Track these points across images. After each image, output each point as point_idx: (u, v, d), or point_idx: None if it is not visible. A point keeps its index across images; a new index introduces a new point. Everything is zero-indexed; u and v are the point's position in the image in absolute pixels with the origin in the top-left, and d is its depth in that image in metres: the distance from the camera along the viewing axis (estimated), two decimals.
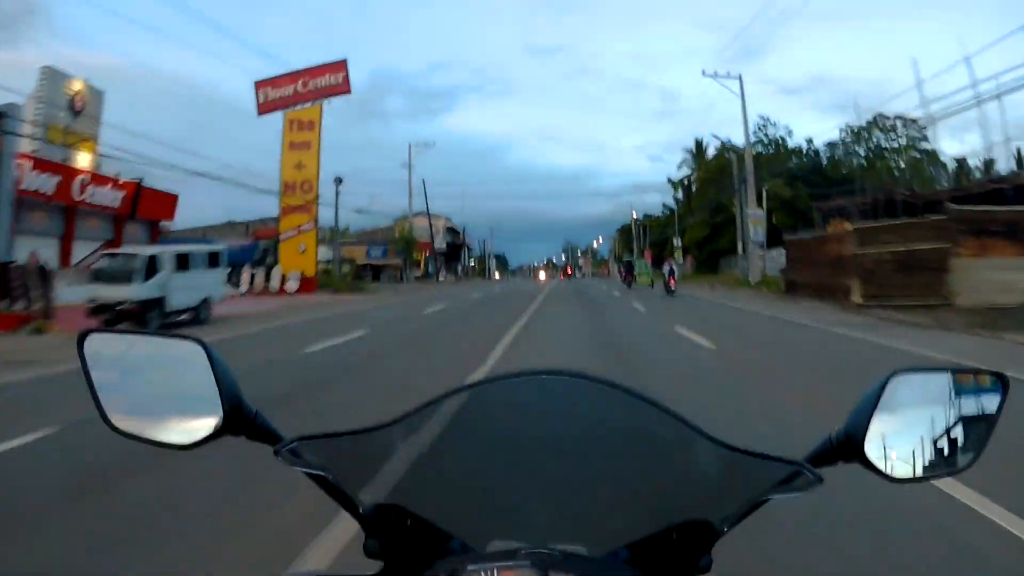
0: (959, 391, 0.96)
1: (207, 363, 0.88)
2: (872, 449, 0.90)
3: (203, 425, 0.88)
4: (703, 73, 37.52)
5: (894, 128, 51.48)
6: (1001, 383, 0.96)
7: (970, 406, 0.95)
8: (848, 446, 0.90)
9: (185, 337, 0.91)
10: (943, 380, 0.97)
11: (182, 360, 0.89)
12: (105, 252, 18.24)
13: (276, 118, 39.77)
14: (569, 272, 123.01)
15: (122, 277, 15.47)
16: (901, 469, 0.92)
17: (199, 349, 0.88)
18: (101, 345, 0.93)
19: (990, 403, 0.95)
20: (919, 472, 0.93)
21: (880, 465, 0.90)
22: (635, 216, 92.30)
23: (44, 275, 15.96)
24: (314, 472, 0.83)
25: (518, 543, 0.81)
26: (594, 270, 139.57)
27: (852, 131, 54.20)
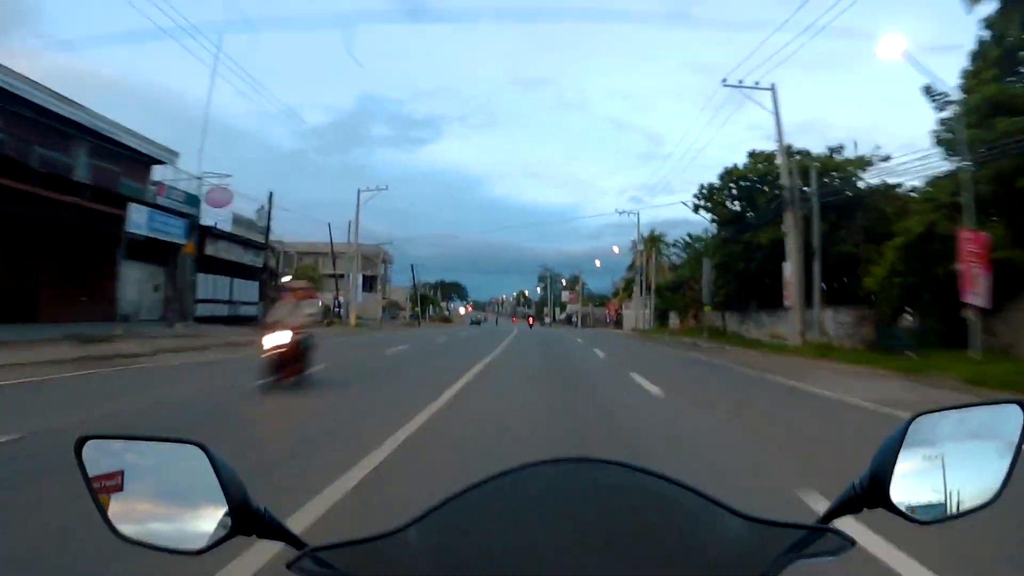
0: (982, 425, 0.96)
1: (209, 465, 0.86)
2: (897, 493, 0.89)
3: (211, 527, 0.87)
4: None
5: None
6: (1022, 410, 0.95)
7: (991, 439, 0.94)
8: (873, 492, 0.89)
9: (185, 441, 0.89)
10: (963, 417, 0.96)
11: (183, 463, 0.88)
12: None
13: None
14: (531, 322, 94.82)
15: None
16: (927, 511, 0.91)
17: (199, 452, 0.87)
18: (99, 450, 0.91)
19: (1011, 433, 0.94)
20: (945, 512, 0.92)
21: (907, 510, 0.89)
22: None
23: None
24: None
25: None
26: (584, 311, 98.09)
27: None
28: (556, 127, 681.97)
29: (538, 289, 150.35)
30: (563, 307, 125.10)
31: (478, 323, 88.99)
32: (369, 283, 71.17)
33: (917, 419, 0.91)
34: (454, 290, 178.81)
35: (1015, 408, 0.95)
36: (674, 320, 54.63)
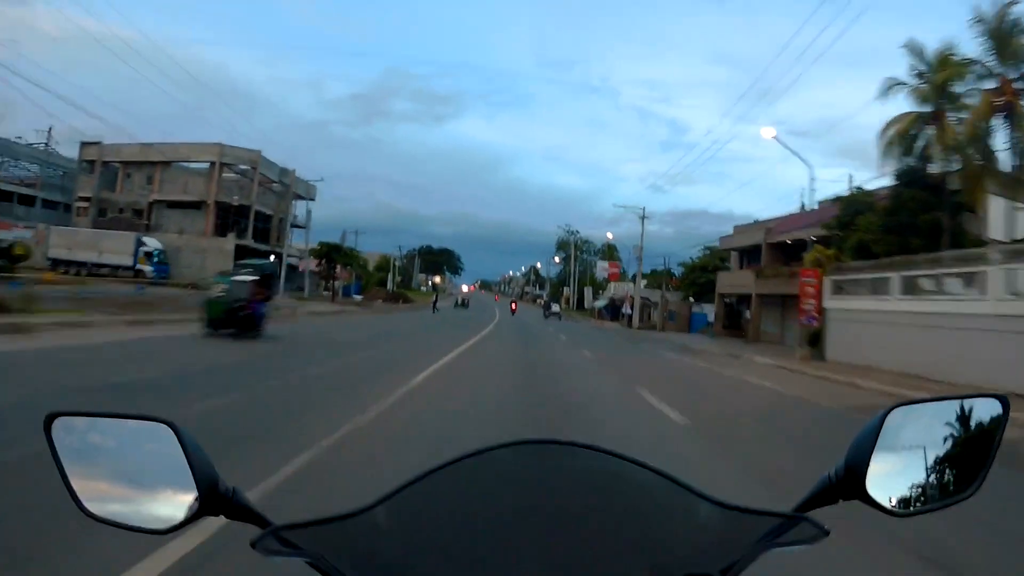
0: (959, 417, 0.94)
1: (178, 444, 0.85)
2: (873, 485, 0.87)
3: (179, 507, 0.86)
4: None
5: None
6: (1001, 405, 0.94)
7: (971, 431, 0.93)
8: (848, 483, 0.88)
9: (155, 419, 0.88)
10: (943, 408, 0.95)
11: (152, 441, 0.87)
12: None
13: None
14: (513, 307, 69.25)
15: None
16: (904, 503, 0.90)
17: (168, 430, 0.86)
18: (71, 428, 0.90)
19: (991, 426, 0.93)
20: (922, 505, 0.91)
21: (882, 501, 0.88)
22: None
23: None
24: (300, 559, 0.80)
25: None
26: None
27: None
28: (579, 111, 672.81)
29: (556, 259, 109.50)
30: (598, 286, 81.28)
31: (465, 305, 72.28)
32: (226, 218, 50.21)
33: (894, 410, 0.90)
34: (443, 260, 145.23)
35: (995, 402, 0.94)
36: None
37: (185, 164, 53.51)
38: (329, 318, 30.56)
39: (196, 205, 51.94)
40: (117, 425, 0.92)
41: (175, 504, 0.86)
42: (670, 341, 32.16)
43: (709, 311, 45.68)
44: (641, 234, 49.73)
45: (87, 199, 53.53)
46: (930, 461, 0.91)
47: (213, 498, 0.86)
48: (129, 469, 0.91)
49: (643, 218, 49.53)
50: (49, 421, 0.89)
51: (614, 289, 69.10)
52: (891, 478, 0.89)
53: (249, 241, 51.01)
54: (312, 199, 59.41)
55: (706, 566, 0.82)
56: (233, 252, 46.01)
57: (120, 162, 54.09)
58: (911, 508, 0.90)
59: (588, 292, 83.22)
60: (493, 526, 0.86)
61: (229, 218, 51.65)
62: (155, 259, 46.81)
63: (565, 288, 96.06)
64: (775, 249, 36.91)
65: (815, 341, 23.13)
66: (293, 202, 59.17)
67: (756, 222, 41.99)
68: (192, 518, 0.86)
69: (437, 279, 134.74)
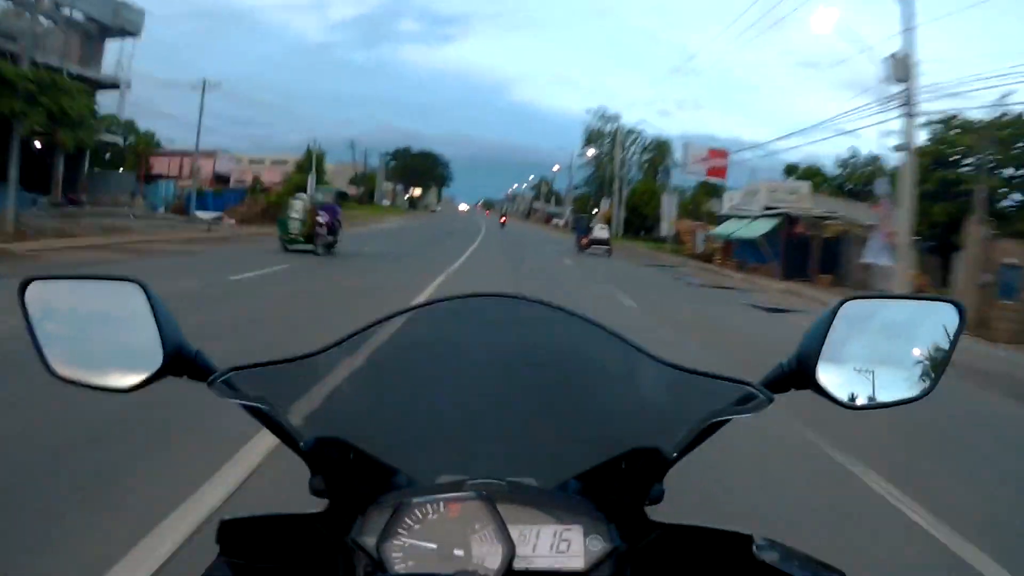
0: (914, 319, 0.96)
1: (147, 304, 0.86)
2: (824, 376, 0.88)
3: (145, 367, 0.87)
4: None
5: None
6: (958, 311, 0.94)
7: (926, 333, 0.94)
8: (800, 373, 0.89)
9: (125, 278, 0.89)
10: (898, 307, 0.97)
11: (122, 302, 0.88)
12: None
13: None
14: (503, 221, 67.84)
15: None
16: (856, 397, 0.91)
17: (138, 290, 0.87)
18: (43, 291, 0.91)
19: (947, 330, 0.94)
20: (874, 399, 0.92)
21: (834, 392, 0.89)
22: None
23: None
24: (251, 404, 0.81)
25: (466, 476, 0.80)
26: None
27: None
28: (586, 33, 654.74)
29: (589, 153, 73.45)
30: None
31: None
32: None
33: (847, 303, 0.91)
34: (426, 166, 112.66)
35: (950, 307, 0.95)
36: None
37: None
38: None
39: None
40: (90, 287, 0.94)
41: (140, 364, 0.87)
42: None
43: None
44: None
45: None
46: (884, 358, 0.93)
47: (178, 359, 0.87)
48: (98, 331, 0.92)
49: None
50: (24, 285, 0.90)
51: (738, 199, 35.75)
52: (842, 371, 0.90)
53: None
54: (134, 34, 32.45)
55: (655, 438, 0.83)
56: None
57: None
58: (862, 402, 0.91)
59: (668, 203, 46.17)
60: (446, 383, 0.88)
61: None
62: None
63: (604, 201, 61.34)
64: None
65: None
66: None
67: None
68: (155, 376, 0.87)
69: (417, 191, 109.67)
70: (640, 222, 57.58)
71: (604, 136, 67.83)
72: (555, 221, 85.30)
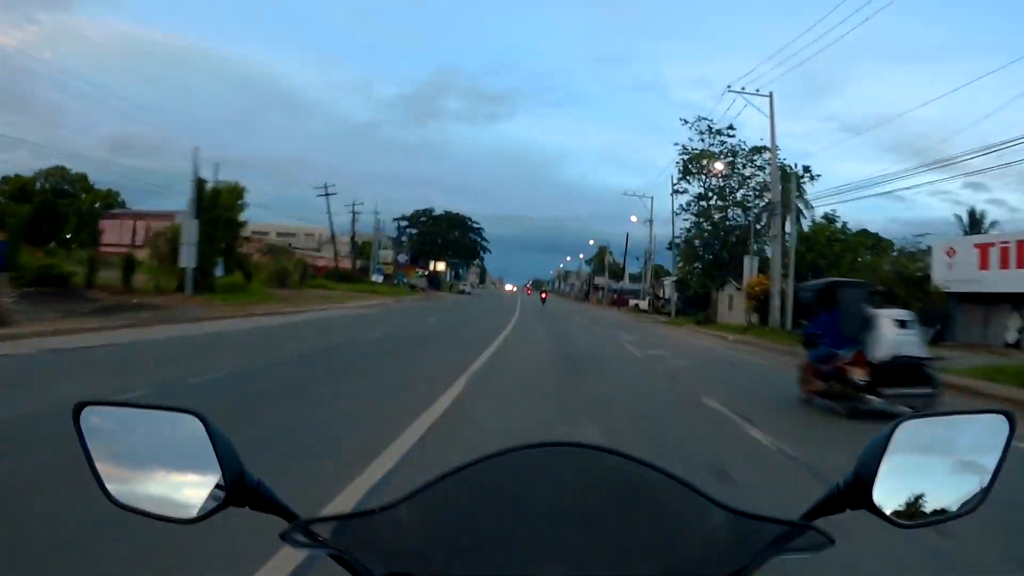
0: (965, 433, 0.97)
1: (206, 435, 0.87)
2: (880, 495, 0.89)
3: (205, 498, 0.88)
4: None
5: None
6: (1008, 421, 0.95)
7: (976, 447, 0.95)
8: (856, 493, 0.90)
9: (183, 410, 0.90)
10: (949, 424, 0.98)
11: (181, 432, 0.89)
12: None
13: None
14: (544, 296, 65.92)
15: None
16: (909, 514, 0.91)
17: (197, 422, 0.88)
18: (97, 417, 0.92)
19: (996, 442, 0.95)
20: (927, 517, 0.92)
21: (889, 512, 0.90)
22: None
23: None
24: (326, 551, 0.83)
25: None
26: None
27: None
28: (631, 109, 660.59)
29: (680, 191, 44.08)
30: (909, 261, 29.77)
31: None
32: None
33: (902, 423, 0.92)
34: (454, 235, 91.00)
35: (1000, 418, 0.96)
36: None
37: None
38: None
39: None
40: (146, 416, 0.95)
41: (201, 494, 0.88)
42: None
43: None
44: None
45: None
46: (936, 474, 0.94)
47: (240, 489, 0.88)
48: (156, 459, 0.93)
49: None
50: (78, 410, 0.91)
51: None
52: (897, 490, 0.91)
53: None
54: None
55: (714, 570, 0.84)
56: None
57: None
58: (915, 520, 0.91)
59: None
60: (513, 525, 0.89)
61: None
62: None
63: (748, 263, 34.52)
64: None
65: None
66: None
67: None
68: (218, 508, 0.88)
69: (441, 266, 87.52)
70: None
71: (714, 157, 41.44)
72: (634, 303, 61.69)
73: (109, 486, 0.90)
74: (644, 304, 55.95)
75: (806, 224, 40.36)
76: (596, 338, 23.96)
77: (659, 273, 62.10)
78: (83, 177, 60.78)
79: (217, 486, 0.87)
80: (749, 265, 34.19)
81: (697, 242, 43.78)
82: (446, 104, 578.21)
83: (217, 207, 29.32)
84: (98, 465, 0.90)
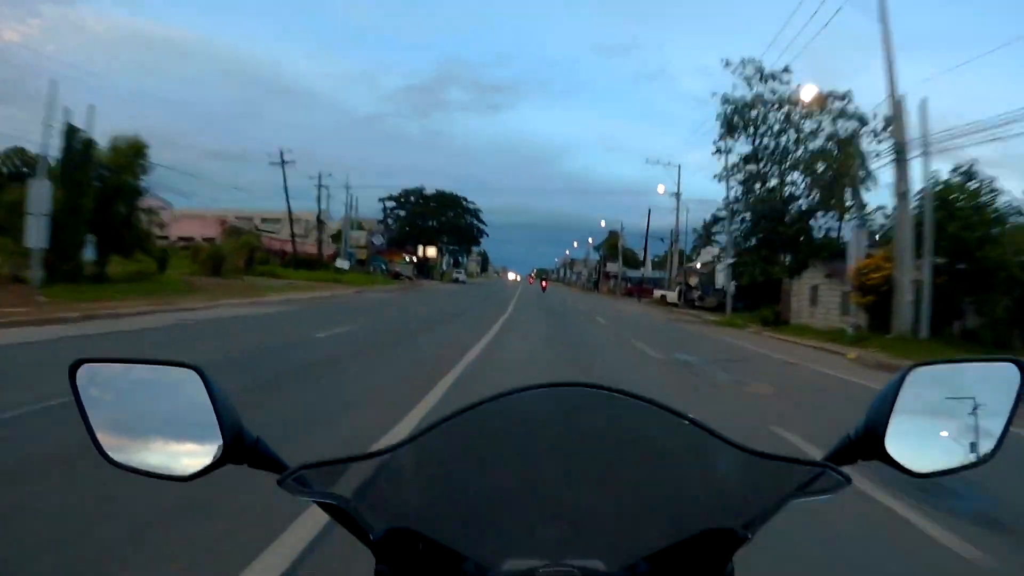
0: (976, 381, 0.95)
1: (204, 390, 0.85)
2: (892, 445, 0.88)
3: (202, 455, 0.86)
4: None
5: None
6: (1019, 369, 0.94)
7: (988, 395, 0.94)
8: (868, 443, 0.89)
9: (181, 364, 0.88)
10: (960, 371, 0.97)
11: (178, 387, 0.87)
12: None
13: None
14: (544, 285, 67.02)
15: None
16: (923, 463, 0.90)
17: (195, 376, 0.86)
18: (94, 374, 0.90)
19: (1008, 390, 0.94)
20: (941, 466, 0.92)
21: (901, 460, 0.89)
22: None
23: None
24: (323, 501, 0.80)
25: (534, 561, 0.79)
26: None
27: None
28: (636, 99, 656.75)
29: (722, 149, 34.94)
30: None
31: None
32: None
33: (913, 371, 0.91)
34: (446, 216, 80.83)
35: (1011, 366, 0.94)
36: None
37: None
38: None
39: None
40: (144, 371, 0.93)
41: (199, 452, 0.86)
42: None
43: None
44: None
45: None
46: (948, 423, 0.93)
47: (238, 446, 0.86)
48: (154, 416, 0.91)
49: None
50: (74, 368, 0.89)
51: None
52: (909, 439, 0.90)
53: None
54: None
55: (727, 519, 0.81)
56: None
57: None
58: (929, 470, 0.91)
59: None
60: (513, 470, 0.87)
61: None
62: None
63: (855, 235, 21.95)
64: None
65: None
66: None
67: None
68: (215, 465, 0.86)
69: (431, 251, 78.12)
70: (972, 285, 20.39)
71: (765, 106, 33.00)
72: (660, 294, 49.88)
73: (105, 446, 0.88)
74: (673, 296, 44.68)
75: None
76: (634, 370, 12.39)
77: (680, 260, 53.12)
78: None
79: (216, 442, 0.85)
80: (856, 240, 21.77)
81: (748, 215, 34.25)
82: (450, 95, 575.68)
83: (89, 164, 21.44)
84: (94, 424, 0.89)
